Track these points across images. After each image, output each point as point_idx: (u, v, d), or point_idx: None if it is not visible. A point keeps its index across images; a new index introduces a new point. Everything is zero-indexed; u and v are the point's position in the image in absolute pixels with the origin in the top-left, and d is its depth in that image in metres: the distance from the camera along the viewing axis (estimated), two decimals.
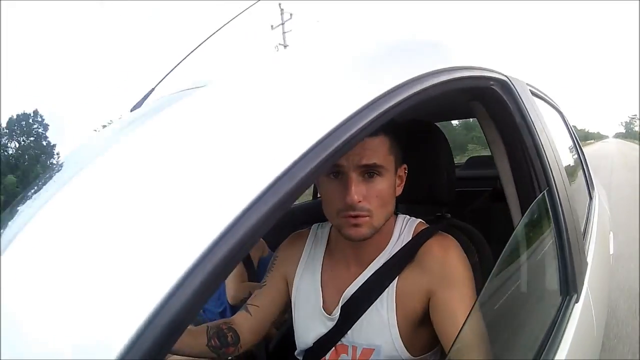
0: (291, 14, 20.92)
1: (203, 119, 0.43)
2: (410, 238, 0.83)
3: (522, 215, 0.88)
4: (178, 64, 1.10)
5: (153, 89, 1.05)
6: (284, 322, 1.22)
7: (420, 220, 0.87)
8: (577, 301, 0.89)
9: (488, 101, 0.90)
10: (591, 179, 2.00)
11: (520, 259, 0.82)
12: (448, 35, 0.87)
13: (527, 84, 1.10)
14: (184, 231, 0.32)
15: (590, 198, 1.78)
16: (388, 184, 0.78)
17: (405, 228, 0.85)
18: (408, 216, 0.88)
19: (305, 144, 0.40)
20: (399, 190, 0.83)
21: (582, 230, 1.15)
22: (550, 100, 1.57)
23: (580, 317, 0.87)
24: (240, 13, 1.33)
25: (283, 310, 0.93)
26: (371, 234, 0.77)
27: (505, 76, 0.89)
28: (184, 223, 0.33)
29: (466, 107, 0.96)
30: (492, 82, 0.83)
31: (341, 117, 0.43)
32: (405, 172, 0.85)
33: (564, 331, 0.80)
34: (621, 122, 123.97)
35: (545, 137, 0.95)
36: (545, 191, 0.86)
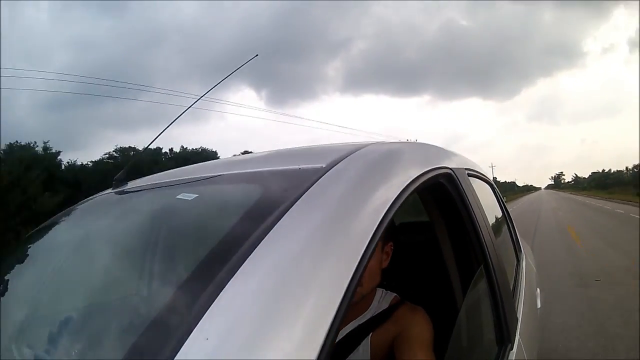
0: None
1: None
2: (387, 307, 1.03)
3: (462, 287, 1.09)
4: (162, 133, 1.21)
5: (136, 158, 1.14)
6: None
7: (395, 294, 1.07)
8: (511, 349, 1.10)
9: (436, 193, 1.11)
10: (518, 242, 2.23)
11: (464, 320, 1.02)
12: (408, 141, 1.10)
13: (465, 169, 1.33)
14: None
15: (518, 261, 2.01)
16: (375, 260, 0.98)
17: (383, 299, 1.05)
18: (385, 290, 1.07)
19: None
20: (386, 264, 1.03)
21: (511, 291, 1.38)
22: (483, 176, 1.85)
23: None
24: (229, 75, 1.46)
25: None
26: (358, 299, 0.97)
27: (450, 169, 1.08)
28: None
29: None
30: (440, 178, 1.02)
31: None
32: (391, 249, 1.05)
33: None
34: (550, 177, 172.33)
35: (481, 218, 1.17)
36: (482, 266, 1.08)
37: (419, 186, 0.86)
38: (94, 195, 1.29)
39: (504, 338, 1.10)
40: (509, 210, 2.37)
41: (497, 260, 1.17)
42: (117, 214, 1.09)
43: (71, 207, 1.27)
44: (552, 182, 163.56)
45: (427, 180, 0.92)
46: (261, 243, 0.56)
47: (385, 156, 0.88)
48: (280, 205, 0.64)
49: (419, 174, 0.87)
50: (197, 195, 0.88)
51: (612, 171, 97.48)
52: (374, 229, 0.64)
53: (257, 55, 1.55)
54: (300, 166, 0.79)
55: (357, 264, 0.57)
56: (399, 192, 0.75)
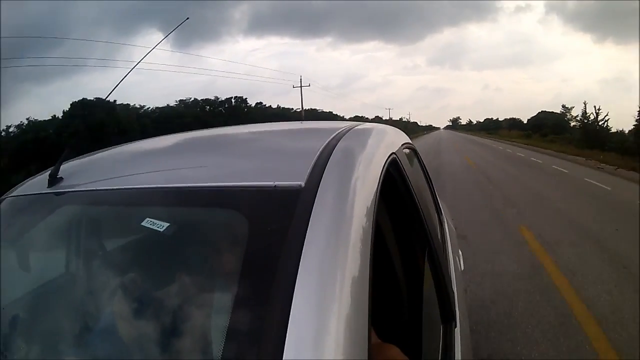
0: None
1: None
2: None
3: (404, 271, 1.10)
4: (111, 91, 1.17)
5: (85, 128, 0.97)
6: None
7: None
8: (455, 326, 1.14)
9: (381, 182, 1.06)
10: (439, 204, 2.24)
11: (411, 300, 1.04)
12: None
13: (402, 145, 1.28)
14: None
15: (441, 224, 1.98)
16: None
17: None
18: None
19: None
20: None
21: (447, 264, 1.43)
22: (410, 145, 1.85)
23: (461, 340, 1.13)
24: (169, 33, 1.54)
25: None
26: None
27: (395, 153, 1.03)
28: None
29: None
30: (389, 166, 0.95)
31: None
32: None
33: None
34: (449, 119, 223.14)
35: (421, 198, 1.16)
36: (426, 249, 1.08)
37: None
38: (22, 190, 1.03)
39: (448, 317, 1.14)
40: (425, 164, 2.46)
41: (437, 240, 1.19)
42: (58, 231, 0.98)
43: None
44: (450, 124, 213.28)
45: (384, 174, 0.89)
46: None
47: (360, 162, 0.84)
48: (271, 241, 0.65)
49: (382, 173, 0.88)
50: (167, 224, 0.75)
51: (499, 119, 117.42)
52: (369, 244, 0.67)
53: (187, 18, 1.63)
54: (276, 183, 0.72)
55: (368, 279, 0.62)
56: (374, 199, 0.77)
